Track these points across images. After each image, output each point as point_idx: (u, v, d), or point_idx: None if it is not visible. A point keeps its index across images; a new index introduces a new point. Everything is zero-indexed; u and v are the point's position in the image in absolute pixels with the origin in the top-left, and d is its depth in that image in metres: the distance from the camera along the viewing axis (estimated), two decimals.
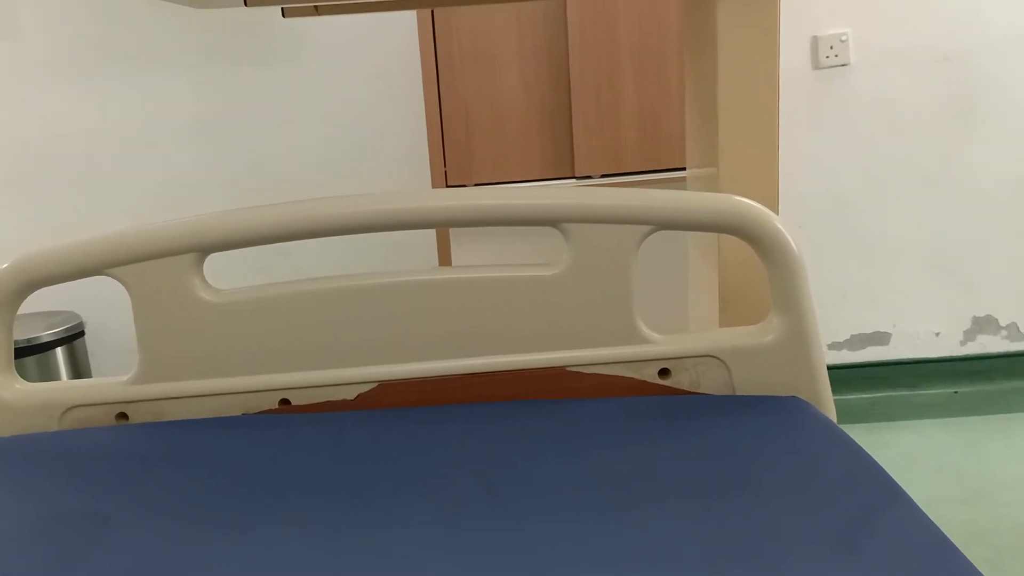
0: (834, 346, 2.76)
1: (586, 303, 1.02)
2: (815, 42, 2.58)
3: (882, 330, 2.74)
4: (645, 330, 1.04)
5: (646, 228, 1.01)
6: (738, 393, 1.04)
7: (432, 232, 2.62)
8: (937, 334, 2.74)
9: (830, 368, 2.71)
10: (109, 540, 0.78)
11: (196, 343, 1.04)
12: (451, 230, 2.26)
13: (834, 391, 2.71)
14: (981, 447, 2.46)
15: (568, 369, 1.04)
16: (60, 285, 2.75)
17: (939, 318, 2.74)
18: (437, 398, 1.05)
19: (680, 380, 1.04)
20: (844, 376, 2.75)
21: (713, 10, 1.10)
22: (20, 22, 2.61)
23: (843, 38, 2.56)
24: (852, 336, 2.75)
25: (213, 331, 1.04)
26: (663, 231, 1.01)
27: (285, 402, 1.05)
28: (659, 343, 1.04)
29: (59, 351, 2.62)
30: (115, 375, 1.07)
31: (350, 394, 1.05)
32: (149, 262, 1.02)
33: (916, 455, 2.44)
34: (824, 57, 2.58)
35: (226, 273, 2.58)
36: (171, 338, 1.04)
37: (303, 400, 1.05)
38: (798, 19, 2.56)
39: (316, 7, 1.39)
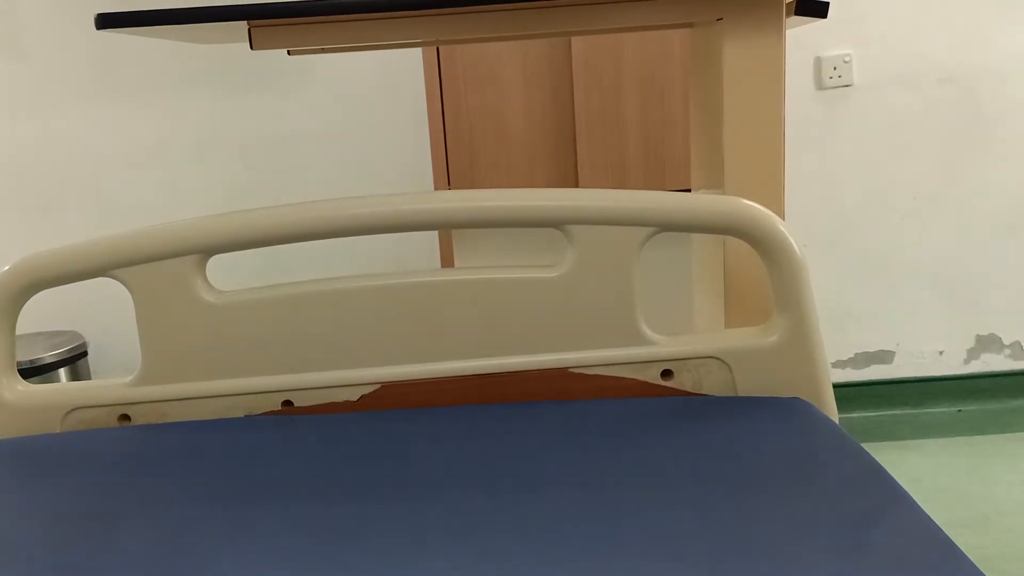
0: (838, 364, 2.75)
1: (589, 305, 1.02)
2: (819, 63, 2.59)
3: (886, 349, 2.74)
4: (648, 331, 1.04)
5: (649, 229, 1.01)
6: (740, 394, 1.03)
7: (435, 241, 2.62)
8: (941, 353, 2.73)
9: (834, 386, 2.70)
10: (112, 541, 0.78)
11: (199, 344, 1.04)
12: (454, 237, 2.26)
13: (838, 409, 2.70)
14: (986, 469, 2.44)
15: (571, 370, 1.04)
16: (62, 305, 2.75)
17: (943, 337, 2.73)
18: (440, 399, 1.05)
19: (683, 381, 1.04)
20: (848, 394, 2.75)
21: (720, 34, 1.10)
22: (26, 43, 2.63)
23: (846, 59, 2.57)
24: (856, 354, 2.74)
25: (216, 332, 1.04)
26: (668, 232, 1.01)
27: (288, 403, 1.05)
28: (662, 344, 1.04)
29: (62, 371, 2.62)
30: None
31: (353, 395, 1.05)
32: (152, 264, 1.02)
33: (920, 477, 2.43)
34: (828, 78, 2.59)
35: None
36: (174, 339, 1.04)
37: (306, 401, 1.05)
38: (802, 40, 2.58)
39: (322, 48, 1.40)
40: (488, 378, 1.04)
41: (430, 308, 1.03)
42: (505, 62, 2.18)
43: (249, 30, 1.07)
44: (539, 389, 1.04)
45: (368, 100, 2.66)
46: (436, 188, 2.25)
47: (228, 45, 2.65)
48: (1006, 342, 2.72)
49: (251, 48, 1.07)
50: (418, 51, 2.64)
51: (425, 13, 1.06)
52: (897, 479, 2.37)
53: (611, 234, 1.01)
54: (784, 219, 1.03)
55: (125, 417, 1.06)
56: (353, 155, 2.69)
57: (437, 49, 2.18)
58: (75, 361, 2.64)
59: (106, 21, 1.00)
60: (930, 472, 2.45)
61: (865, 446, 2.64)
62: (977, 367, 2.74)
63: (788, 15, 1.15)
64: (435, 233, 2.50)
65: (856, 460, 0.86)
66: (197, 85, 2.66)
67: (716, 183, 1.16)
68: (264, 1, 1.04)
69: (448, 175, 2.23)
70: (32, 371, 2.52)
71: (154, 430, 1.02)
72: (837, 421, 1.00)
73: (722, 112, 1.11)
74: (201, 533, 0.78)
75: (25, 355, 2.54)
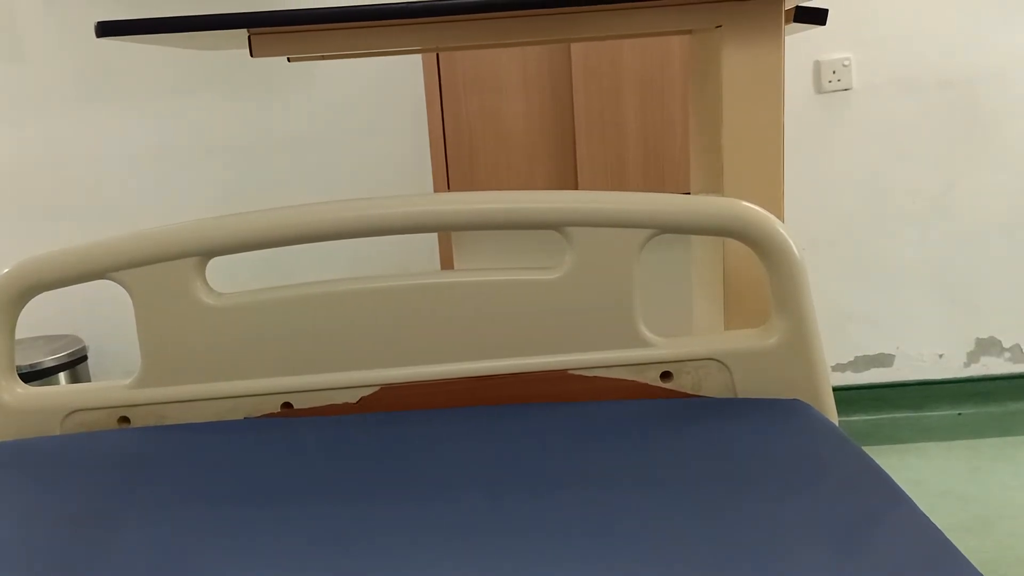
0: (838, 368, 2.75)
1: (588, 306, 1.02)
2: (817, 67, 2.59)
3: (886, 352, 2.74)
4: (647, 333, 1.04)
5: (648, 232, 1.01)
6: (740, 396, 1.03)
7: (435, 243, 2.62)
8: (941, 356, 2.73)
9: (834, 390, 2.70)
10: (112, 543, 0.78)
11: (198, 347, 1.04)
12: (454, 239, 2.26)
13: (838, 412, 2.70)
14: (986, 472, 2.44)
15: (570, 372, 1.04)
16: (62, 308, 2.74)
17: (942, 340, 2.73)
18: (439, 401, 1.05)
19: (682, 383, 1.04)
20: (848, 398, 2.75)
21: (719, 41, 1.10)
22: (27, 47, 2.64)
23: (845, 63, 2.57)
24: (856, 358, 2.74)
25: (215, 335, 1.04)
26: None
27: (287, 406, 1.05)
28: (661, 346, 1.04)
29: (62, 376, 2.61)
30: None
31: (352, 397, 1.05)
32: (151, 266, 1.02)
33: (920, 480, 2.43)
34: (827, 82, 2.59)
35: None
36: (173, 342, 1.04)
37: (305, 404, 1.05)
38: (801, 44, 2.58)
39: (322, 55, 1.40)
40: (488, 380, 1.04)
41: (430, 310, 1.03)
42: (505, 65, 2.19)
43: (249, 38, 1.07)
44: (539, 391, 1.04)
45: (368, 102, 2.66)
46: (436, 190, 2.25)
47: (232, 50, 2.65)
48: (1006, 345, 2.72)
49: (251, 56, 1.07)
50: (419, 55, 2.64)
51: (425, 21, 1.06)
52: (897, 483, 2.37)
53: (610, 236, 1.01)
54: (783, 221, 1.03)
55: (125, 419, 1.06)
56: (353, 157, 2.69)
57: (436, 53, 2.18)
58: (75, 365, 2.64)
59: (106, 29, 0.99)
60: (930, 475, 2.45)
61: (865, 449, 2.64)
62: (977, 370, 2.74)
63: (787, 22, 1.15)
64: (435, 235, 2.50)
65: (856, 462, 0.86)
66: (197, 88, 2.66)
67: (715, 186, 1.16)
68: (264, 9, 1.04)
69: (448, 177, 2.23)
70: (32, 375, 2.52)
71: (153, 432, 1.02)
72: (836, 423, 1.00)
73: (721, 117, 1.11)
74: (201, 535, 0.78)
75: (25, 359, 2.53)
